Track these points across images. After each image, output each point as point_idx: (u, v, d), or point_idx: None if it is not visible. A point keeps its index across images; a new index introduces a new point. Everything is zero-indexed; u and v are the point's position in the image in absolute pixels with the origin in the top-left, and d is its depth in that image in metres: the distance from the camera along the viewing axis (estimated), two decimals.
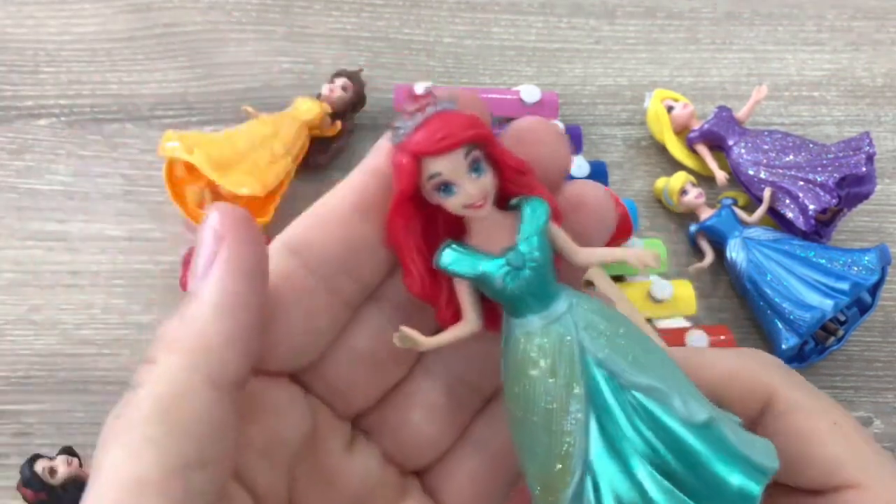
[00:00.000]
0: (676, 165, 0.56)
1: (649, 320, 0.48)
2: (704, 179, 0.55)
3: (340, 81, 0.54)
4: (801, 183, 0.50)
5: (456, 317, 0.22)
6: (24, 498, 0.41)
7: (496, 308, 0.22)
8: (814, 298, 0.46)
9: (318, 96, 0.54)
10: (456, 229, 0.22)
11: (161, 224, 0.51)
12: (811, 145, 0.51)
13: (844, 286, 0.46)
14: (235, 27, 0.60)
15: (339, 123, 0.54)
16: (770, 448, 0.21)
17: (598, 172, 0.53)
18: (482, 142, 0.20)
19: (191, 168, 0.49)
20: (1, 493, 0.43)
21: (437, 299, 0.22)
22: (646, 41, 0.62)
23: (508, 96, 0.56)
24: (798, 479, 0.23)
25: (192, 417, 0.18)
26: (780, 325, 0.47)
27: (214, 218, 0.20)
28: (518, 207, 0.21)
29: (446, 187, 0.20)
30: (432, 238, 0.22)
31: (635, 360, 0.20)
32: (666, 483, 0.20)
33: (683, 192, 0.53)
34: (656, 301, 0.47)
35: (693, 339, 0.47)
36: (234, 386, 0.19)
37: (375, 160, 0.22)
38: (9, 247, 0.50)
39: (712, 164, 0.54)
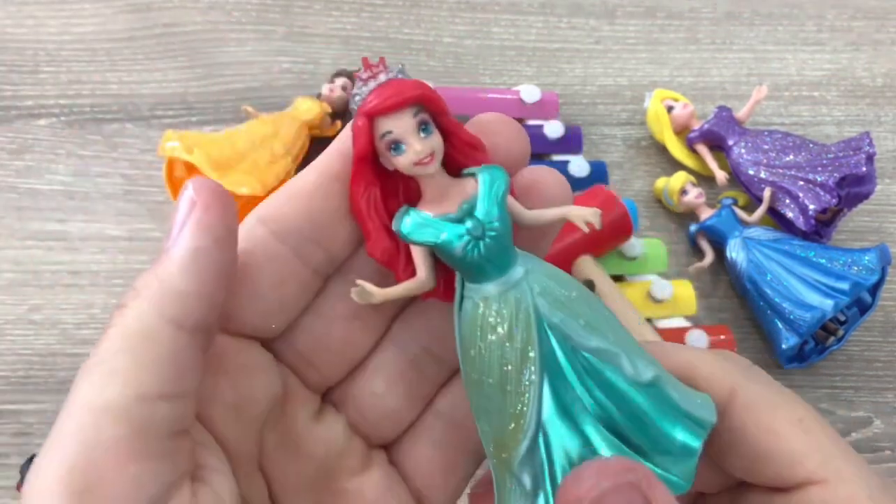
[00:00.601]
0: (676, 165, 0.56)
1: (649, 320, 0.48)
2: (704, 179, 0.55)
3: (340, 81, 0.54)
4: (802, 183, 0.50)
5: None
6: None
7: (451, 276, 0.23)
8: (814, 298, 0.46)
9: (318, 96, 0.54)
10: (414, 197, 0.23)
11: (161, 224, 0.51)
12: (811, 145, 0.51)
13: (844, 286, 0.46)
14: (235, 27, 0.60)
15: (338, 123, 0.54)
16: (709, 403, 0.22)
17: (599, 172, 0.53)
18: (431, 106, 0.22)
19: (191, 168, 0.49)
20: (1, 493, 0.43)
21: (396, 264, 0.23)
22: (646, 41, 0.62)
23: (508, 96, 0.56)
24: (761, 475, 0.23)
25: (155, 353, 0.20)
26: (780, 324, 0.47)
27: (189, 188, 0.22)
28: (473, 176, 0.22)
29: (396, 146, 0.22)
30: (392, 205, 0.23)
31: (587, 323, 0.21)
32: (614, 440, 0.21)
33: (683, 191, 0.53)
34: (656, 301, 0.47)
35: (693, 338, 0.47)
36: (197, 331, 0.21)
37: (341, 143, 0.23)
38: (9, 246, 0.50)
39: (712, 164, 0.54)
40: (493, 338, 0.21)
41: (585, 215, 0.22)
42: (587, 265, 0.45)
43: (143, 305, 0.20)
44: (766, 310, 0.48)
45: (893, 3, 0.65)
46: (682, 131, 0.56)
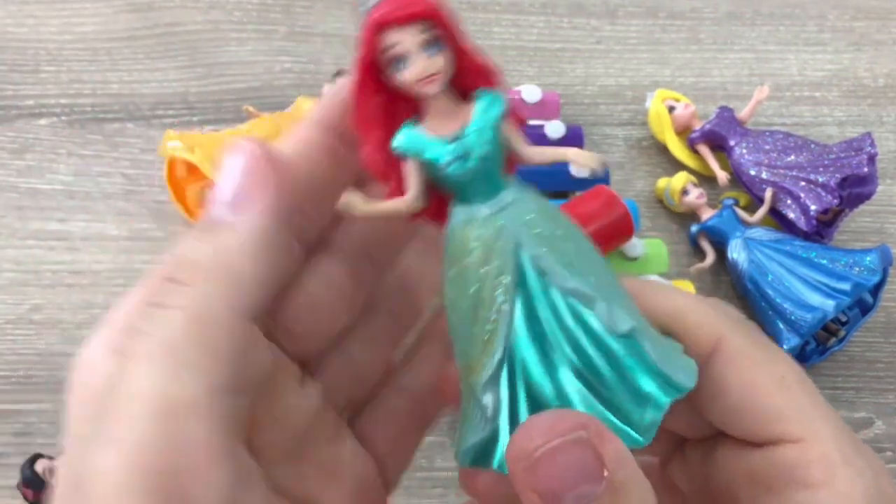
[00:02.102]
0: (678, 165, 0.56)
1: None
2: (706, 180, 0.55)
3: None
4: (803, 183, 0.50)
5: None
6: (25, 497, 0.41)
7: (444, 201, 0.23)
8: (815, 299, 0.46)
9: (319, 96, 0.54)
10: (416, 113, 0.22)
11: (162, 223, 0.51)
12: (813, 146, 0.51)
13: (846, 287, 0.46)
14: (236, 27, 0.60)
15: None
16: (691, 368, 0.22)
17: None
18: (442, 24, 0.21)
19: (192, 167, 0.50)
20: (1, 493, 0.43)
21: (388, 177, 0.22)
22: (647, 41, 0.62)
23: (510, 96, 0.56)
24: (737, 427, 0.23)
25: (225, 345, 0.19)
26: (781, 325, 0.47)
27: (256, 151, 0.20)
28: (476, 99, 0.22)
29: (401, 60, 0.21)
30: (393, 122, 0.22)
31: (569, 263, 0.21)
32: (579, 384, 0.21)
33: (685, 192, 0.53)
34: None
35: None
36: (258, 321, 0.20)
37: (319, 112, 0.22)
38: (9, 246, 0.50)
39: (714, 165, 0.54)
40: (470, 259, 0.21)
41: (587, 160, 0.22)
42: None
43: (209, 290, 0.19)
44: (768, 310, 0.48)
45: (895, 3, 0.65)
46: (683, 131, 0.56)
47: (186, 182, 0.51)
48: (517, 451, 0.19)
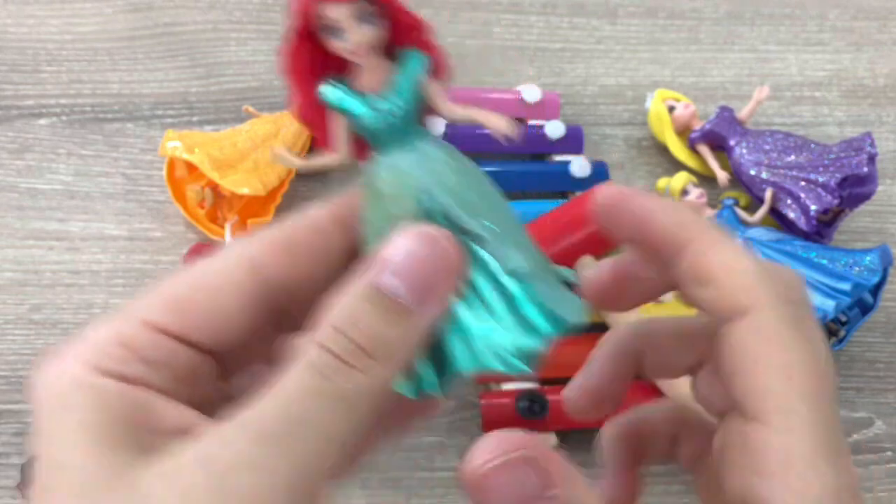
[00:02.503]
0: (678, 165, 0.56)
1: None
2: (706, 180, 0.55)
3: None
4: (803, 183, 0.50)
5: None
6: (25, 497, 0.41)
7: (367, 147, 0.25)
8: (815, 299, 0.46)
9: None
10: (346, 69, 0.25)
11: (162, 224, 0.51)
12: (813, 146, 0.51)
13: (846, 287, 0.46)
14: (236, 26, 0.60)
15: None
16: (579, 307, 0.24)
17: (600, 172, 0.53)
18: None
19: (192, 168, 0.50)
20: (1, 493, 0.43)
21: (319, 130, 0.25)
22: (647, 41, 0.62)
23: (510, 96, 0.56)
24: (699, 299, 0.24)
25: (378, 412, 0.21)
26: None
27: (449, 248, 0.22)
28: (401, 58, 0.25)
29: (335, 32, 0.23)
30: (323, 74, 0.25)
31: (473, 209, 0.23)
32: (468, 311, 0.22)
33: (685, 192, 0.53)
34: (657, 301, 0.47)
35: None
36: None
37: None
38: (9, 246, 0.50)
39: (714, 165, 0.54)
40: (384, 203, 0.23)
41: (498, 124, 0.25)
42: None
43: (390, 370, 0.21)
44: None
45: (895, 3, 0.65)
46: (683, 131, 0.56)
47: (186, 182, 0.51)
48: (467, 474, 0.20)
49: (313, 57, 0.24)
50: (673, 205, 0.25)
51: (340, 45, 0.23)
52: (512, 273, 0.23)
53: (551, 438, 0.43)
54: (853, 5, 0.64)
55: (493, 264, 0.23)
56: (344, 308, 0.21)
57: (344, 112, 0.24)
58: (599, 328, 0.45)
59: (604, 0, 0.63)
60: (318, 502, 0.20)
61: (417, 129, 0.25)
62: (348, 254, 0.24)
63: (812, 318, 0.23)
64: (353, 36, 0.23)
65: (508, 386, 0.44)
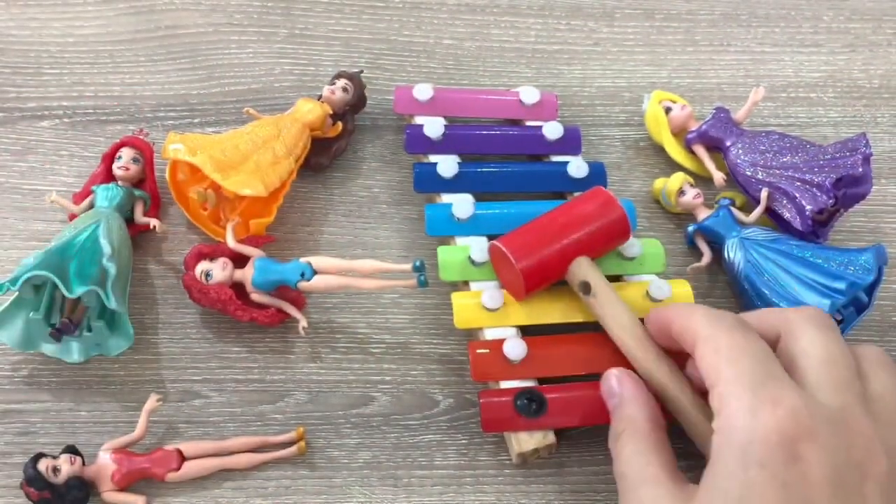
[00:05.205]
0: (674, 166, 0.56)
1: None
2: (702, 180, 0.55)
3: (341, 83, 0.55)
4: (798, 183, 0.50)
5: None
6: (28, 497, 0.42)
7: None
8: (811, 298, 0.47)
9: (320, 98, 0.54)
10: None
11: (163, 224, 0.51)
12: (808, 146, 0.52)
13: (841, 286, 0.46)
14: (237, 29, 0.60)
15: (339, 124, 0.54)
16: (129, 336, 0.46)
17: (597, 173, 0.53)
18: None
19: (194, 169, 0.50)
20: (4, 492, 0.43)
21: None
22: (644, 43, 0.62)
23: (508, 98, 0.56)
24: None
25: None
26: None
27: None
28: None
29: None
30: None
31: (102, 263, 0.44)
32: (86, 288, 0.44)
33: (681, 192, 0.53)
34: (654, 300, 0.48)
35: None
36: None
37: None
38: (12, 247, 0.50)
39: (710, 165, 0.55)
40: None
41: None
42: (583, 266, 0.45)
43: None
44: None
45: (890, 4, 0.65)
46: (679, 132, 0.56)
47: (188, 184, 0.51)
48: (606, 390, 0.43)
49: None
50: (682, 312, 0.41)
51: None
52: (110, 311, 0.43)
53: (549, 436, 0.43)
54: (848, 7, 0.65)
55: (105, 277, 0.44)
56: None
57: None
58: (595, 328, 0.45)
59: (601, 2, 0.64)
60: None
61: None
62: None
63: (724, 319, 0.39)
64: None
65: (507, 384, 0.44)
